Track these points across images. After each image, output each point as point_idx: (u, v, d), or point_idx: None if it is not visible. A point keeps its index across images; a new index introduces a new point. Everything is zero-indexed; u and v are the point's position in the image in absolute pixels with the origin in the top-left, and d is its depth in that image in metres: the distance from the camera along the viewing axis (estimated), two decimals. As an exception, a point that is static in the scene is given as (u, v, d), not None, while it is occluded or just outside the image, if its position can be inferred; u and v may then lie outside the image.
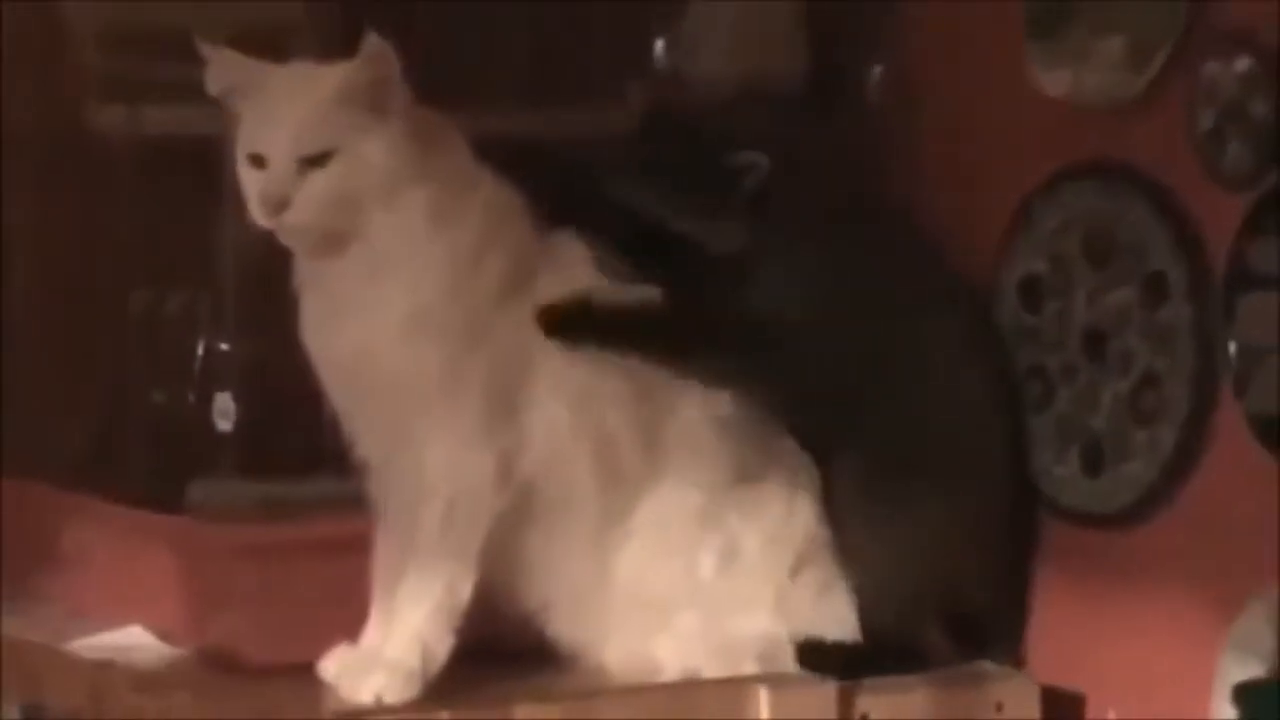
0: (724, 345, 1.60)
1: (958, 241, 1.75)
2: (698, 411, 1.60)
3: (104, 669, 1.63)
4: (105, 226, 1.85)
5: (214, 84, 1.53)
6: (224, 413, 1.73)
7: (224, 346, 1.75)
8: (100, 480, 1.79)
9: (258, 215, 1.52)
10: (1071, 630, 1.66)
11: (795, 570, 1.61)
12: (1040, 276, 1.69)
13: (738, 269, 1.60)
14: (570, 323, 1.56)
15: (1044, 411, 1.68)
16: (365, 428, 1.57)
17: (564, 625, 1.60)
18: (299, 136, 1.51)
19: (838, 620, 1.61)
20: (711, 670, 1.59)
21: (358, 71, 1.51)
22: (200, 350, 1.76)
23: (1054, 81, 1.65)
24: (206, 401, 1.74)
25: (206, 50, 1.54)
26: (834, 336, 1.61)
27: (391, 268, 1.53)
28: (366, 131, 1.51)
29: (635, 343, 1.58)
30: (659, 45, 1.83)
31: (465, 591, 1.54)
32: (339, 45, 1.59)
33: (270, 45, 1.69)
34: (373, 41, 1.51)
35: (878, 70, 1.80)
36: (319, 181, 1.51)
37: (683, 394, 1.60)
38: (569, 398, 1.57)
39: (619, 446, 1.57)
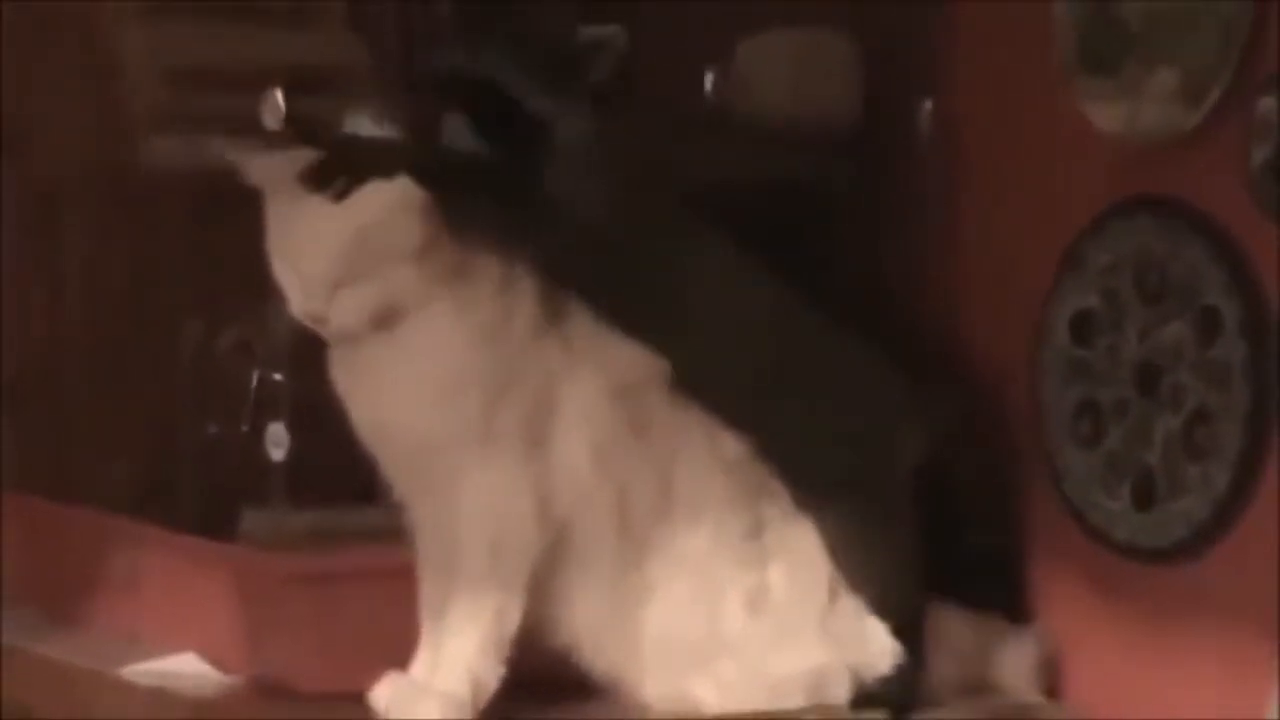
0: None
1: (1007, 278, 1.75)
2: (704, 454, 1.59)
3: (157, 696, 1.62)
4: (161, 258, 1.88)
5: (251, 179, 1.55)
6: (277, 442, 1.74)
7: (277, 377, 1.75)
8: (154, 508, 1.80)
9: (297, 315, 1.55)
10: (1120, 665, 1.65)
11: (832, 597, 1.60)
12: (1092, 311, 1.68)
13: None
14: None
15: (1095, 445, 1.67)
16: (398, 475, 1.58)
17: (599, 664, 1.59)
18: (328, 265, 1.52)
19: (884, 639, 1.60)
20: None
21: (383, 213, 1.51)
22: (254, 381, 1.76)
23: (1107, 116, 1.65)
24: (260, 431, 1.74)
25: (233, 155, 1.54)
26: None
27: (418, 334, 1.55)
28: (395, 261, 1.52)
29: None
30: (708, 79, 1.83)
31: (514, 622, 1.54)
32: (398, 85, 1.61)
33: (330, 84, 1.72)
34: (400, 186, 1.51)
35: (928, 107, 1.79)
36: (353, 298, 1.53)
37: (688, 438, 1.59)
38: (590, 444, 1.57)
39: (633, 495, 1.57)
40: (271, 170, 1.54)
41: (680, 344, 1.59)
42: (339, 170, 1.50)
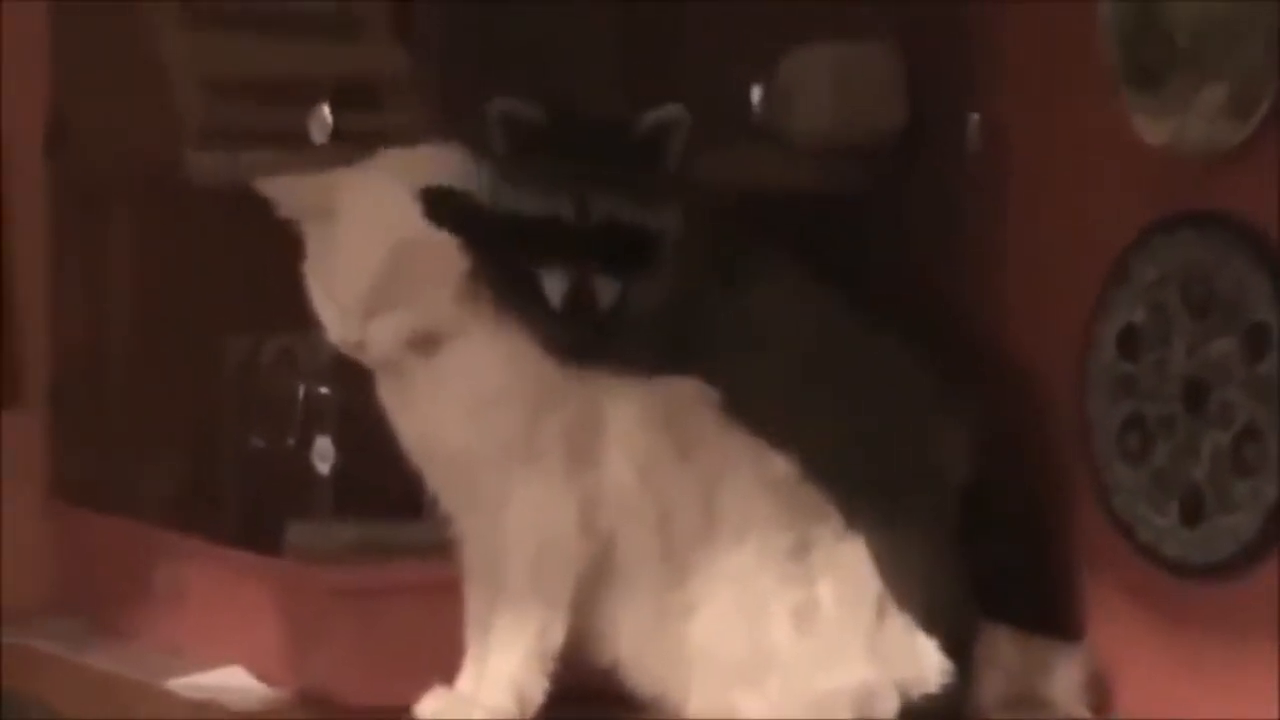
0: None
1: (1053, 291, 1.74)
2: (750, 475, 1.60)
3: (202, 709, 1.63)
4: (205, 269, 1.87)
5: (282, 209, 1.55)
6: (323, 455, 1.73)
7: (323, 390, 1.76)
8: (200, 520, 1.80)
9: (334, 343, 1.55)
10: (1169, 683, 1.65)
11: (880, 613, 1.59)
12: (1138, 326, 1.67)
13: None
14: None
15: (1142, 461, 1.66)
16: (445, 491, 1.59)
17: (643, 680, 1.59)
18: (362, 293, 1.52)
19: (934, 656, 1.59)
20: (805, 725, 1.59)
21: (418, 240, 1.51)
22: (300, 394, 1.76)
23: (1155, 130, 1.64)
24: (306, 444, 1.74)
25: (265, 186, 1.54)
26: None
27: (460, 355, 1.56)
28: (430, 287, 1.53)
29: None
30: (755, 94, 1.84)
31: (558, 636, 1.55)
32: (440, 98, 1.61)
33: (373, 96, 1.71)
34: (426, 222, 1.51)
35: (974, 120, 1.79)
36: (389, 326, 1.54)
37: (736, 460, 1.59)
38: (635, 463, 1.57)
39: (677, 515, 1.57)
40: (303, 197, 1.55)
41: (728, 367, 1.59)
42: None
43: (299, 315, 1.59)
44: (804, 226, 1.73)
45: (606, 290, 1.54)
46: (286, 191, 1.55)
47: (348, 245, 1.53)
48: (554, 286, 1.54)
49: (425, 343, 1.55)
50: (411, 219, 1.52)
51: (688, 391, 1.59)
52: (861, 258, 1.78)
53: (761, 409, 1.60)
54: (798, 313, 1.62)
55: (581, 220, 1.53)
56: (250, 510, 1.80)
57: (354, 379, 1.61)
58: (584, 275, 1.53)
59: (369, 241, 1.53)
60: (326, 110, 1.69)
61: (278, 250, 1.57)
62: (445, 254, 1.53)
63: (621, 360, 1.57)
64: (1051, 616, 1.70)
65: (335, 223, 1.54)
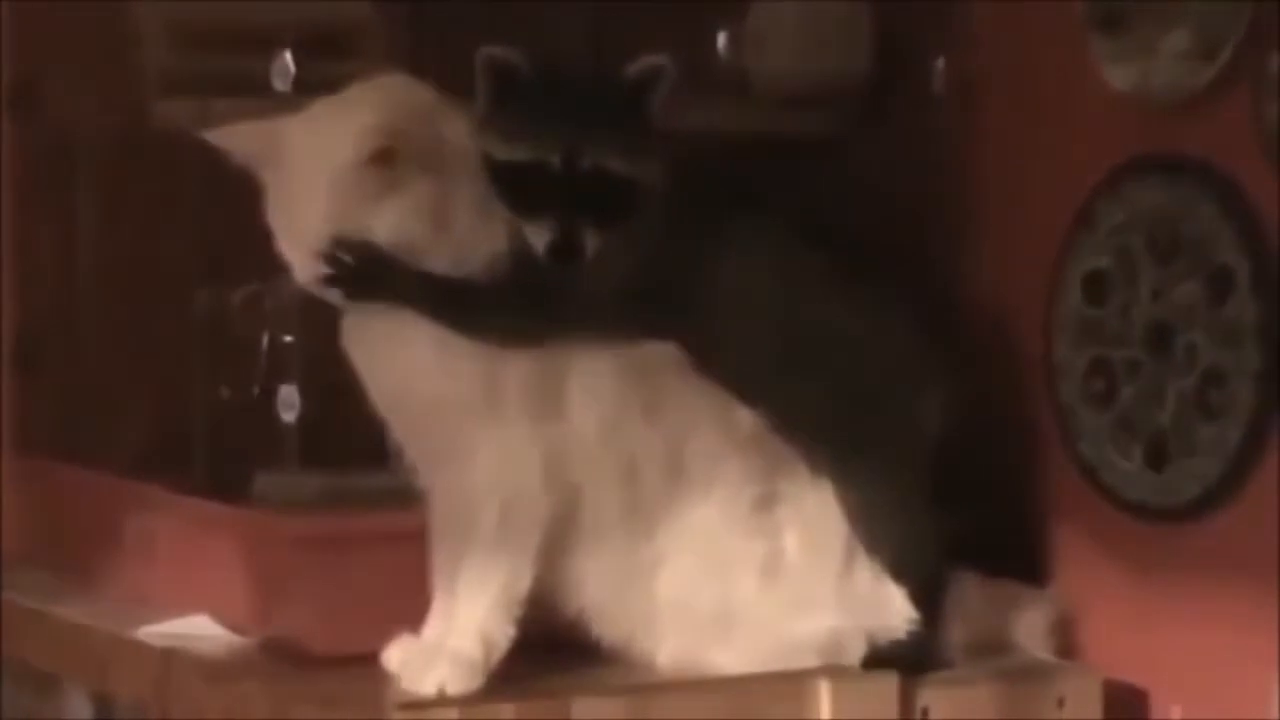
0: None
1: (1021, 238, 1.74)
2: (716, 430, 1.60)
3: (170, 657, 1.62)
4: (170, 220, 1.86)
5: (236, 157, 1.55)
6: (288, 405, 1.73)
7: (288, 339, 1.75)
8: (166, 471, 1.79)
9: (304, 284, 1.55)
10: (1134, 625, 1.65)
11: (847, 562, 1.60)
12: (1104, 271, 1.68)
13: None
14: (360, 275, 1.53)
15: (1107, 405, 1.66)
16: (412, 441, 1.58)
17: (612, 631, 1.60)
18: (319, 226, 1.52)
19: (901, 603, 1.60)
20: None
21: (360, 152, 1.50)
22: (264, 343, 1.76)
23: (1120, 76, 1.64)
24: (271, 394, 1.73)
25: (215, 136, 1.54)
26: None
27: None
28: (384, 210, 1.52)
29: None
30: (721, 40, 1.84)
31: (524, 585, 1.54)
32: (406, 46, 1.61)
33: (336, 46, 1.70)
34: (369, 122, 1.50)
35: (940, 64, 1.79)
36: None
37: (703, 415, 1.59)
38: (597, 412, 1.57)
39: (641, 466, 1.58)
40: (252, 144, 1.54)
41: (701, 320, 1.59)
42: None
43: (266, 262, 1.57)
44: (770, 175, 1.73)
45: (591, 241, 1.53)
46: (236, 140, 1.54)
47: (297, 185, 1.53)
48: (539, 234, 1.53)
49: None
50: (347, 145, 1.50)
51: (656, 348, 1.59)
52: (830, 206, 1.76)
53: (734, 363, 1.60)
54: (773, 267, 1.61)
55: (568, 169, 1.52)
56: (217, 460, 1.80)
57: (319, 326, 1.61)
58: (571, 224, 1.53)
59: (315, 176, 1.52)
60: (289, 57, 1.69)
61: (244, 198, 1.56)
62: (389, 172, 1.51)
63: (596, 312, 1.56)
64: (1018, 561, 1.70)
65: (285, 166, 1.53)
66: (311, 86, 1.63)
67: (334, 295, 1.54)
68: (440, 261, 1.54)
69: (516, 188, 1.53)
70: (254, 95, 1.68)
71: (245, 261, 1.71)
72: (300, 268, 1.55)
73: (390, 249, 1.52)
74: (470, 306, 1.54)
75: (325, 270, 1.52)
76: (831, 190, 1.80)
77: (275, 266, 1.57)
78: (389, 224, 1.53)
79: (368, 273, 1.52)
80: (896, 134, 1.81)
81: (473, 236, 1.55)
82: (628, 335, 1.58)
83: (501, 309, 1.55)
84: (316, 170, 1.52)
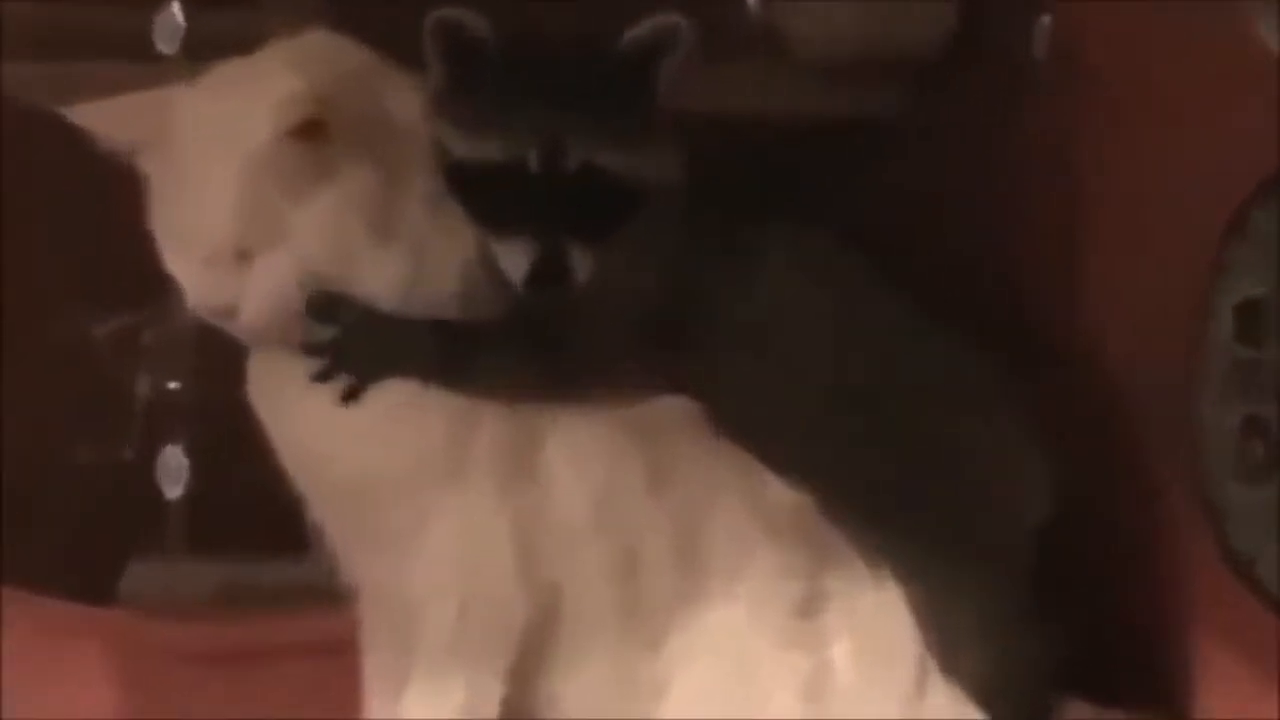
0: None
1: (1144, 254, 1.73)
2: (744, 508, 1.60)
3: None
4: (16, 224, 1.84)
5: (106, 140, 1.54)
6: (172, 472, 1.76)
7: (172, 385, 1.77)
8: (13, 560, 1.77)
9: (199, 312, 1.55)
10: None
11: (917, 685, 1.60)
12: (1262, 301, 1.66)
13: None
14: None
15: (1265, 478, 1.65)
16: (338, 520, 1.59)
17: None
18: (230, 225, 1.52)
19: None
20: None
21: (279, 126, 1.51)
22: (141, 390, 1.77)
23: (1288, 43, 1.64)
24: (149, 458, 1.76)
25: (78, 114, 1.54)
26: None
27: None
28: (312, 200, 1.54)
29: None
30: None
31: (489, 711, 1.56)
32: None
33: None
34: (290, 87, 1.51)
35: (1044, 24, 1.79)
36: (268, 275, 1.53)
37: (726, 488, 1.60)
38: (587, 482, 1.58)
39: (645, 559, 1.59)
40: (128, 123, 1.55)
41: (727, 367, 1.59)
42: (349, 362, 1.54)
43: (143, 283, 1.57)
44: (814, 170, 1.74)
45: (581, 261, 1.53)
46: (106, 117, 1.54)
47: (192, 176, 1.52)
48: (516, 256, 1.53)
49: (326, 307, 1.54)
50: (261, 119, 1.50)
51: (665, 401, 1.59)
52: (892, 210, 1.77)
53: (768, 421, 1.59)
54: (822, 296, 1.61)
55: (550, 169, 1.53)
56: (77, 546, 1.80)
57: (214, 369, 1.59)
58: (554, 241, 1.53)
59: (216, 162, 1.51)
60: (177, 9, 1.73)
61: (119, 197, 1.55)
62: (323, 149, 1.52)
63: (591, 356, 1.57)
64: (1147, 681, 1.71)
65: (175, 151, 1.52)
66: (209, 47, 1.63)
67: (239, 327, 1.54)
68: (386, 277, 1.54)
69: (481, 194, 1.54)
70: (131, 59, 1.71)
71: (116, 280, 1.72)
72: (193, 287, 1.53)
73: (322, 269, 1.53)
74: (478, 358, 1.56)
75: (314, 362, 1.53)
76: (896, 189, 1.81)
77: (157, 287, 1.56)
78: (317, 223, 1.52)
79: (363, 344, 1.54)
80: (978, 118, 1.81)
81: (430, 241, 1.55)
82: (626, 384, 1.58)
83: (514, 355, 1.56)
84: (218, 154, 1.51)
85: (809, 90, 1.82)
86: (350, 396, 1.54)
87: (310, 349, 1.53)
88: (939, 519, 1.60)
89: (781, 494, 1.60)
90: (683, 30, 1.53)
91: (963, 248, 1.79)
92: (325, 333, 1.53)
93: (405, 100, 1.56)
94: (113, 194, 1.56)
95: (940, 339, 1.63)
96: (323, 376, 1.53)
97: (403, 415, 1.55)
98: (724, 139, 1.64)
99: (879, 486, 1.59)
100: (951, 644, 1.59)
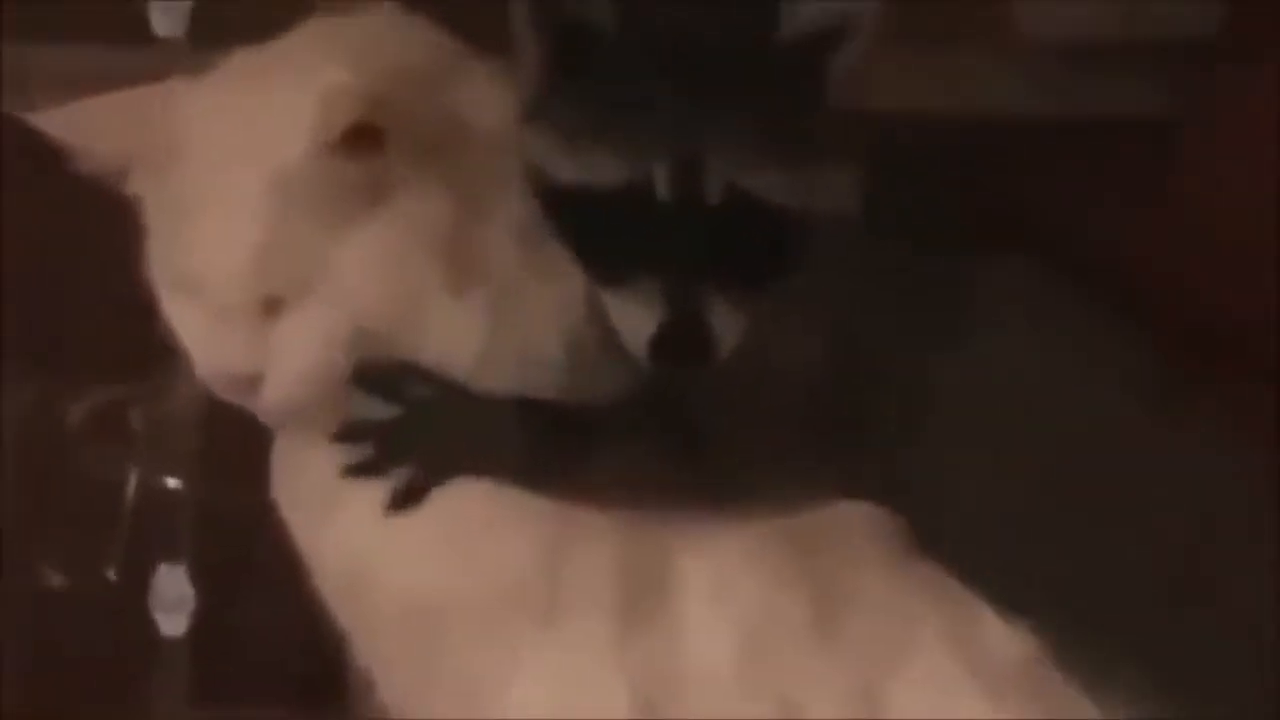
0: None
1: None
2: (946, 657, 1.50)
3: None
4: None
5: (87, 153, 1.46)
6: (170, 601, 1.73)
7: (172, 484, 1.73)
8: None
9: (210, 383, 1.47)
10: None
11: None
12: None
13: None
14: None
15: None
16: (390, 664, 1.52)
17: None
18: (253, 266, 1.44)
19: None
20: None
21: (322, 134, 1.42)
22: (129, 490, 1.72)
23: None
24: (140, 581, 1.73)
25: (48, 120, 1.45)
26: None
27: None
28: (363, 231, 1.46)
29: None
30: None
31: None
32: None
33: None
34: (335, 82, 1.43)
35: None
36: (303, 332, 1.46)
37: (923, 629, 1.51)
38: (729, 623, 1.50)
39: (805, 718, 1.51)
40: (118, 132, 1.47)
41: (926, 465, 1.49)
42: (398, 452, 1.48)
43: (132, 346, 1.54)
44: (1047, 191, 1.64)
45: (728, 322, 1.43)
46: (85, 126, 1.46)
47: (206, 196, 1.43)
48: (637, 313, 1.43)
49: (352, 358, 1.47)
50: (297, 124, 1.41)
51: (841, 511, 1.50)
52: (1148, 241, 1.67)
53: (990, 540, 1.49)
54: (1069, 365, 1.50)
55: (685, 197, 1.43)
56: (45, 692, 1.77)
57: (227, 462, 1.58)
58: (690, 294, 1.42)
59: (237, 182, 1.42)
60: None
61: (99, 225, 1.46)
62: (375, 170, 1.43)
63: (739, 451, 1.49)
64: None
65: (179, 166, 1.44)
66: (222, 29, 1.55)
67: (261, 406, 1.46)
68: (459, 337, 1.46)
69: (591, 229, 1.45)
70: (119, 43, 1.68)
71: (96, 344, 1.71)
72: (203, 349, 1.45)
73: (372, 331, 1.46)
74: (585, 454, 1.47)
75: (353, 450, 1.47)
76: (1151, 214, 1.71)
77: (150, 352, 1.49)
78: (368, 264, 1.44)
79: (428, 429, 1.48)
80: (1260, 117, 1.68)
81: (519, 291, 1.48)
82: (788, 488, 1.50)
83: (634, 449, 1.48)
84: (237, 171, 1.44)
85: (1041, 85, 1.75)
86: (406, 500, 1.45)
87: (350, 432, 1.45)
88: (1212, 673, 1.46)
89: (1002, 639, 1.49)
90: (867, 9, 1.42)
91: (1236, 284, 1.65)
92: (374, 410, 1.45)
93: (489, 101, 1.47)
94: (91, 228, 1.48)
95: (1211, 424, 1.49)
96: (366, 470, 1.45)
97: (481, 528, 1.47)
98: (921, 151, 1.55)
99: (1131, 630, 1.47)
100: None
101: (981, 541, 1.50)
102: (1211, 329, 1.63)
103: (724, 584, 1.50)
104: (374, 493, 1.47)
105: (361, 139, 1.41)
